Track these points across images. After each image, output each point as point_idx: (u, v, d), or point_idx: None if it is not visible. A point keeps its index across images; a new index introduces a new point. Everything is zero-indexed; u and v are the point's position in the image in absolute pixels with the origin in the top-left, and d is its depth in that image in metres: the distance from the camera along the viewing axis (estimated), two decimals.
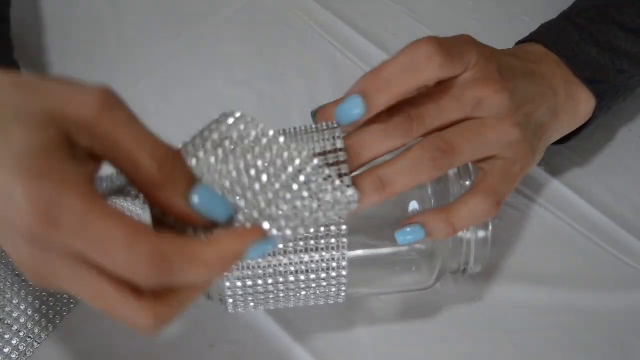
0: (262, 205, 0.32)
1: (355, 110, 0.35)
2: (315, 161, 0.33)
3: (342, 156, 0.35)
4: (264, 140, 0.34)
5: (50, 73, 0.56)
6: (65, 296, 0.45)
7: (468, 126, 0.38)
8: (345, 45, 0.58)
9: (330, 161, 0.35)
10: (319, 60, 0.58)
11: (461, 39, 0.39)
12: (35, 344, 0.44)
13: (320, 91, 0.56)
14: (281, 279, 0.37)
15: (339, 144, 0.35)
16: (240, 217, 0.32)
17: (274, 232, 0.32)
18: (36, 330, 0.44)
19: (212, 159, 0.33)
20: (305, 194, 0.33)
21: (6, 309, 0.44)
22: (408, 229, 0.38)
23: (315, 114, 0.39)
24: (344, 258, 0.36)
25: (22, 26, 0.59)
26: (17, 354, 0.43)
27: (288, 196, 0.33)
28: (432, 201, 0.40)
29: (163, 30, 0.59)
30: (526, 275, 0.47)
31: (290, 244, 0.36)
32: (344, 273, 0.37)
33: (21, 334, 0.44)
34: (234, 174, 0.33)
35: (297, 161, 0.33)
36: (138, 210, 0.35)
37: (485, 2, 0.61)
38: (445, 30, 0.59)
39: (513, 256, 0.48)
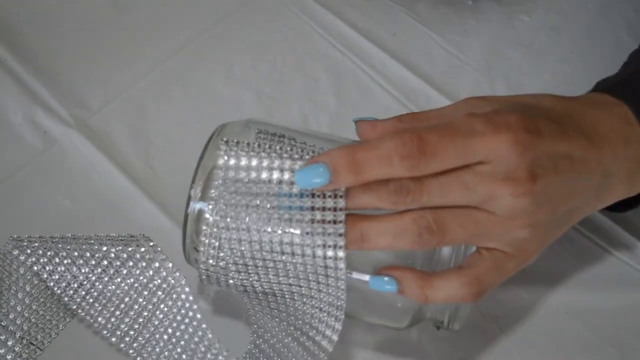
0: None
1: (317, 179, 0.34)
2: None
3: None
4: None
5: (51, 73, 0.56)
6: (67, 303, 0.46)
7: (469, 215, 0.35)
8: (345, 45, 0.58)
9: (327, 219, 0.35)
10: (318, 59, 0.58)
11: (495, 123, 0.34)
12: (38, 350, 0.44)
13: (320, 91, 0.56)
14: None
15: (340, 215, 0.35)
16: None
17: None
18: (39, 337, 0.44)
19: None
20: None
21: (10, 316, 0.44)
22: (385, 279, 0.37)
23: (356, 123, 0.39)
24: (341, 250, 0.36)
25: (22, 26, 0.59)
26: None
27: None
28: None
29: (163, 30, 0.59)
30: (526, 276, 0.47)
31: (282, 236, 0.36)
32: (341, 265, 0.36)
33: (24, 340, 0.44)
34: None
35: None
36: None
37: (485, 2, 0.61)
38: (445, 29, 0.60)
39: None
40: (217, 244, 0.38)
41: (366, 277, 0.39)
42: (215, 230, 0.38)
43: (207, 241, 0.38)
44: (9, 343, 0.43)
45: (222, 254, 0.38)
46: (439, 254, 0.39)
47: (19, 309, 0.44)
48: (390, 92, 0.56)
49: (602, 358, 0.45)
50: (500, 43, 0.59)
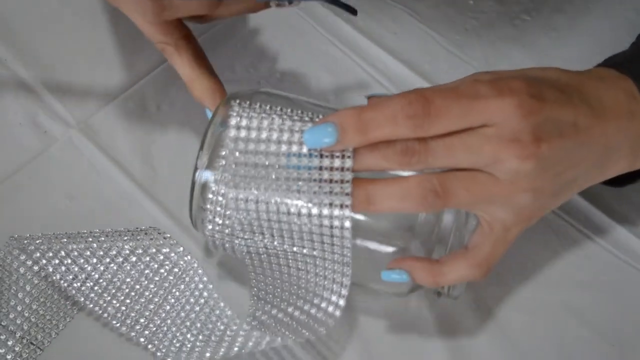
0: None
1: (325, 139, 0.35)
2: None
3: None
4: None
5: (51, 72, 0.56)
6: (68, 303, 0.46)
7: (474, 178, 0.35)
8: (345, 44, 0.58)
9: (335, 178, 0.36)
10: (319, 59, 0.58)
11: (499, 86, 0.35)
12: (38, 350, 0.44)
13: (320, 90, 0.56)
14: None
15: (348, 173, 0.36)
16: None
17: None
18: (39, 337, 0.44)
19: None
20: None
21: (10, 316, 0.44)
22: (396, 271, 0.38)
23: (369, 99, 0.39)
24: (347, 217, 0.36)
25: (22, 25, 0.59)
26: None
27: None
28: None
29: None
30: (526, 275, 0.47)
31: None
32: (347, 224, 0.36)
33: (24, 340, 0.44)
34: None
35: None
36: None
37: (486, 1, 0.61)
38: (446, 29, 0.60)
39: (513, 256, 0.48)
40: (224, 202, 0.39)
41: (369, 244, 0.40)
42: (223, 189, 0.38)
43: (214, 199, 0.39)
44: (9, 343, 0.43)
45: (228, 212, 0.38)
46: (439, 224, 0.40)
47: (19, 308, 0.44)
48: (391, 91, 0.56)
49: (602, 358, 0.45)
50: (501, 42, 0.59)
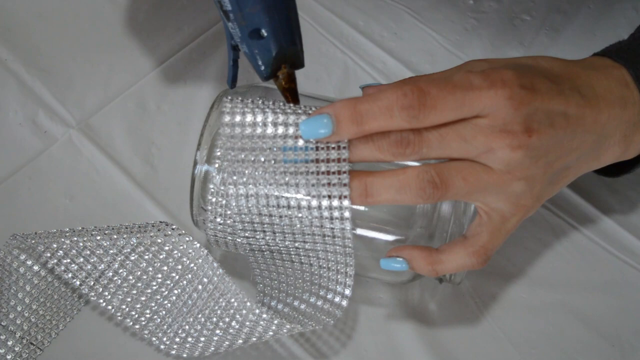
0: None
1: (321, 130, 0.35)
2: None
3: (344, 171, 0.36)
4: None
5: (52, 73, 0.56)
6: (67, 303, 0.46)
7: (470, 169, 0.36)
8: (346, 44, 0.58)
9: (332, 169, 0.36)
10: (319, 59, 0.58)
11: (491, 78, 0.35)
12: (38, 350, 0.44)
13: (320, 90, 0.56)
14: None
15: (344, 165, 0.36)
16: None
17: None
18: (39, 337, 0.44)
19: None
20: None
21: (10, 316, 0.44)
22: (395, 259, 0.39)
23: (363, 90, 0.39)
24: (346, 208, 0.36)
25: (23, 26, 0.59)
26: None
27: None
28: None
29: (163, 29, 0.59)
30: (526, 275, 0.47)
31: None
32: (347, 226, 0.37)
33: (24, 340, 0.44)
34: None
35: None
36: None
37: (486, 1, 0.61)
38: (446, 29, 0.60)
39: (513, 256, 0.48)
40: (224, 202, 0.39)
41: (368, 233, 0.41)
42: (222, 187, 0.38)
43: (214, 199, 0.39)
44: (9, 343, 0.43)
45: (229, 212, 0.39)
46: (438, 212, 0.40)
47: (19, 309, 0.44)
48: None
49: (602, 358, 0.45)
50: (500, 42, 0.59)
